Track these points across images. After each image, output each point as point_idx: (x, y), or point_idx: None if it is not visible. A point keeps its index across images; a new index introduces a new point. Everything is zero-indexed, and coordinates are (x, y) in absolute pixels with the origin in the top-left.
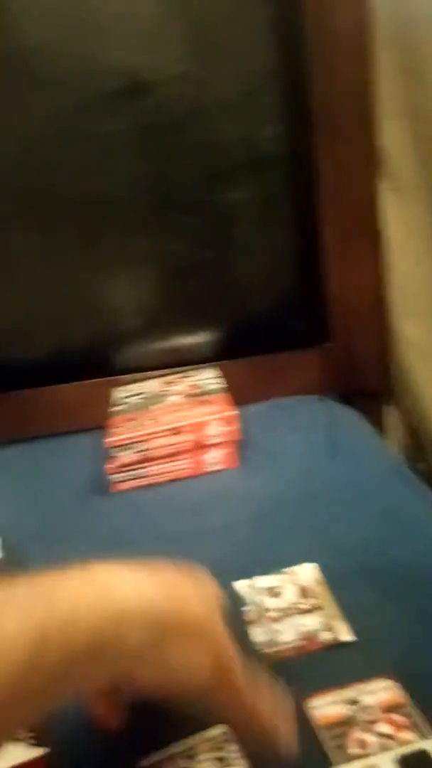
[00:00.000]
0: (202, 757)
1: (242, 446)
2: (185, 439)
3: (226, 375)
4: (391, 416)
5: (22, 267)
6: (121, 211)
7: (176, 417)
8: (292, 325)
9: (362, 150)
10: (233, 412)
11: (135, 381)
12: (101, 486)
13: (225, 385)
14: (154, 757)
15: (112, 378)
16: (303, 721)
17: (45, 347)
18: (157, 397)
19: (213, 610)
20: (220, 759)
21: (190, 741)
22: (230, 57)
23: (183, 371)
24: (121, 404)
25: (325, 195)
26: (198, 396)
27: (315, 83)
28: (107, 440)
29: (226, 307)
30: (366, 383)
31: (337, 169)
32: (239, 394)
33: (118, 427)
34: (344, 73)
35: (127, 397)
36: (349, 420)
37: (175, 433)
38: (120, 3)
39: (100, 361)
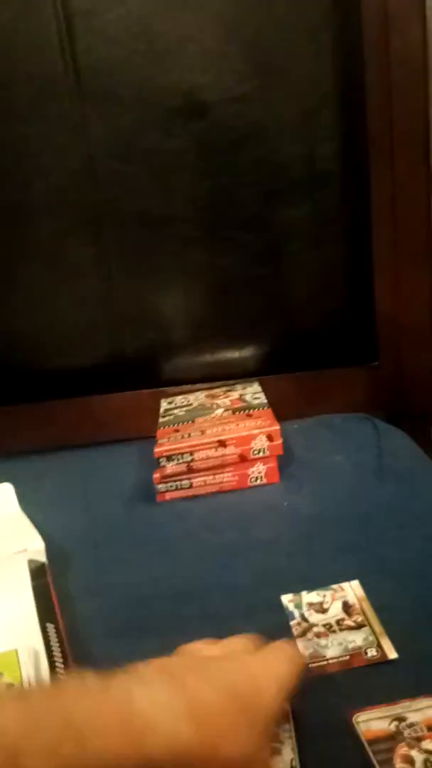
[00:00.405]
0: None
1: (286, 462)
2: (230, 452)
3: (271, 389)
4: None
5: (78, 278)
6: (177, 226)
7: (222, 430)
8: (340, 343)
9: (417, 170)
10: (277, 426)
11: (181, 393)
12: (147, 495)
13: (268, 400)
14: None
15: (160, 389)
16: (349, 735)
17: (96, 356)
18: (203, 410)
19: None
20: (274, 734)
21: None
22: (289, 77)
23: (228, 384)
24: (168, 415)
25: (379, 214)
26: (243, 410)
27: (372, 103)
28: (155, 450)
29: (275, 322)
30: (414, 403)
31: (391, 188)
32: (283, 409)
33: (164, 438)
34: (402, 94)
35: (173, 408)
36: (397, 440)
37: (220, 446)
38: (182, 25)
39: (149, 371)
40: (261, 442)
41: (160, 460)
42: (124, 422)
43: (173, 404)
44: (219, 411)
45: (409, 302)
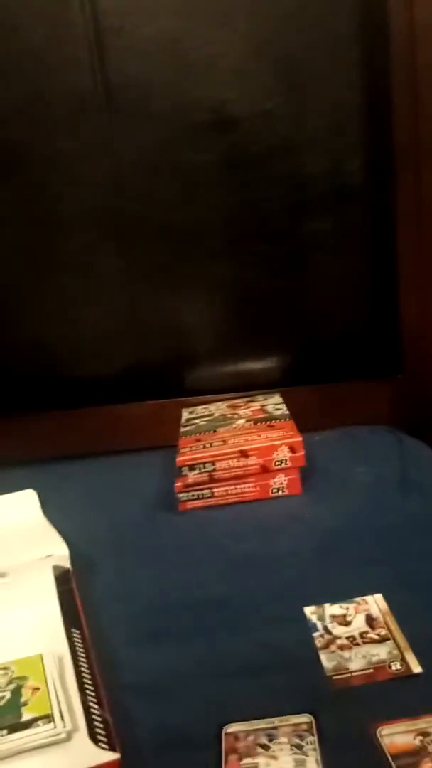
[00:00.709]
0: (281, 738)
1: (308, 473)
2: (252, 462)
3: (293, 401)
4: None
5: (105, 289)
6: (204, 238)
7: (244, 440)
8: (364, 355)
9: None
10: (299, 438)
11: (203, 403)
12: (168, 503)
13: (290, 411)
14: (237, 726)
15: (182, 399)
16: (373, 748)
17: (121, 366)
18: (225, 420)
19: None
20: (298, 746)
21: (275, 721)
22: (317, 93)
23: (250, 395)
24: (190, 425)
25: (404, 226)
26: (264, 421)
27: (399, 118)
28: (178, 459)
29: (299, 334)
30: None
31: (417, 201)
32: (305, 420)
33: (186, 447)
34: (428, 109)
35: (195, 418)
36: (421, 453)
37: (242, 456)
38: (212, 42)
39: (172, 381)
40: (283, 453)
41: (183, 469)
42: (147, 431)
43: (195, 414)
44: (241, 421)
45: None
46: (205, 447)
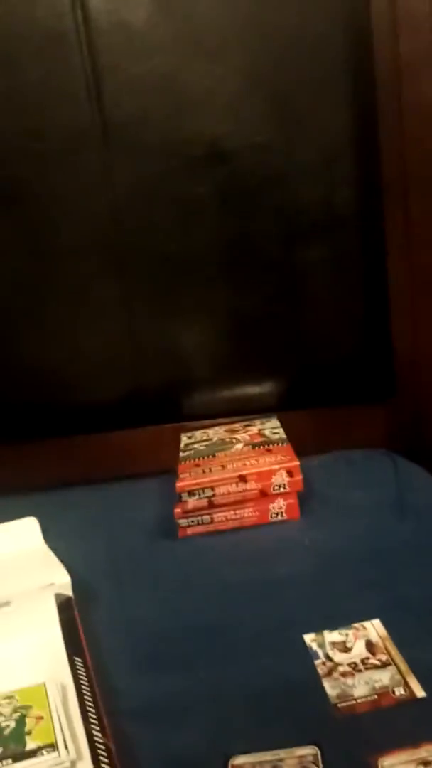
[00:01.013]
0: None
1: (306, 498)
2: (251, 487)
3: (290, 425)
4: None
5: (103, 317)
6: (200, 267)
7: (243, 465)
8: (359, 379)
9: (431, 212)
10: (297, 462)
11: (202, 427)
12: (168, 529)
13: (288, 435)
14: (243, 758)
15: (180, 424)
16: None
17: (119, 392)
18: (223, 444)
19: None
20: None
21: (281, 753)
22: (308, 126)
23: (248, 419)
24: (189, 450)
25: (395, 254)
26: (262, 445)
27: (387, 150)
28: (177, 485)
29: (294, 359)
30: None
31: (406, 229)
32: (302, 444)
33: (186, 473)
34: (415, 141)
35: (194, 442)
36: (417, 477)
37: (241, 481)
38: (206, 78)
39: (170, 406)
40: (281, 478)
41: (182, 495)
42: (146, 457)
43: (193, 439)
44: (239, 446)
45: (427, 340)
46: (204, 472)
